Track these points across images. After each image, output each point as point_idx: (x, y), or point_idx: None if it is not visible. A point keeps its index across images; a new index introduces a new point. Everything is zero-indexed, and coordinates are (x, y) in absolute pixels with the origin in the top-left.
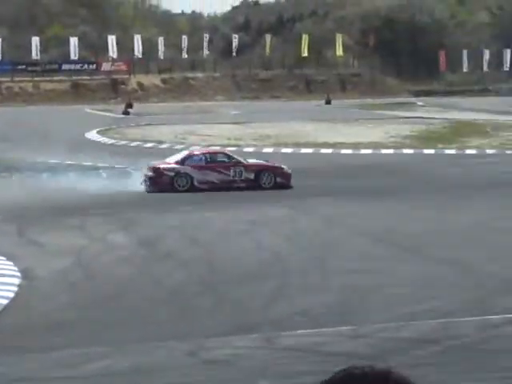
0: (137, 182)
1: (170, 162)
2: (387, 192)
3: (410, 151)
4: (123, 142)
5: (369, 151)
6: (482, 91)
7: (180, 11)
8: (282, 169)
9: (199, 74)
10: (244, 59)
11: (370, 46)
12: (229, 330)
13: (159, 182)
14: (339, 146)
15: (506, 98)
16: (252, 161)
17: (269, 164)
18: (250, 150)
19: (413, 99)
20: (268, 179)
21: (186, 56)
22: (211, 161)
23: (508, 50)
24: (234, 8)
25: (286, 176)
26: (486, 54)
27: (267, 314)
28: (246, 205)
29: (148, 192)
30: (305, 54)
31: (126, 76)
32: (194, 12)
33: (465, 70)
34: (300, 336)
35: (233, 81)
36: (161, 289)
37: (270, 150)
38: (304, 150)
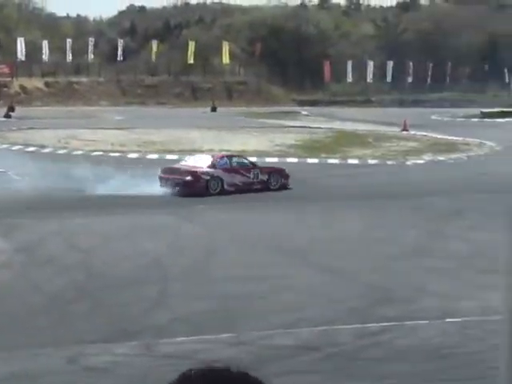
0: (14, 186)
1: (198, 165)
2: (272, 199)
3: (295, 160)
4: (4, 146)
5: (254, 159)
6: (365, 102)
7: (65, 14)
8: (285, 170)
9: (84, 79)
10: (130, 64)
11: (256, 55)
12: (108, 336)
13: (196, 185)
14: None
15: (389, 109)
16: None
17: (276, 167)
18: (134, 155)
19: (298, 108)
20: (275, 180)
21: (71, 60)
22: (237, 164)
23: (391, 62)
24: (121, 13)
25: (287, 177)
26: (370, 66)
27: (146, 321)
28: (130, 210)
29: (180, 196)
30: (191, 60)
31: (9, 79)
32: (79, 16)
33: (349, 80)
34: (180, 343)
35: (118, 86)
36: (40, 295)
37: (154, 156)
38: None
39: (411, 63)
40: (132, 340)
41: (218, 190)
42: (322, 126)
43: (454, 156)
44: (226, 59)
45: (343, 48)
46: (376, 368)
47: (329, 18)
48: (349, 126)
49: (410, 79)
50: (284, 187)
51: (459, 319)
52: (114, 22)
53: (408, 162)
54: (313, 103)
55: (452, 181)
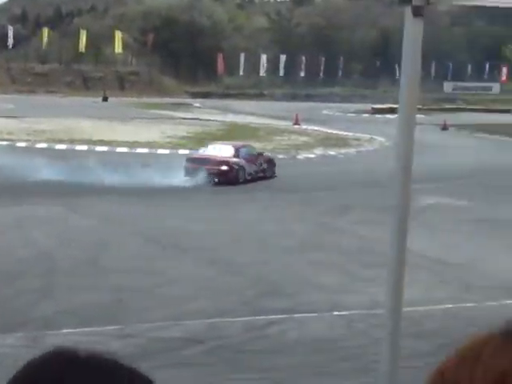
0: None
1: (224, 155)
2: (168, 192)
3: (186, 152)
4: None
5: (145, 150)
6: (257, 95)
7: None
8: (274, 159)
9: None
10: (20, 52)
11: (149, 45)
12: None
13: (230, 175)
14: (115, 144)
15: (281, 103)
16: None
17: (268, 155)
18: (23, 144)
19: (190, 100)
20: (270, 168)
21: None
22: (251, 153)
23: (284, 56)
24: None
25: (275, 165)
26: (263, 59)
27: (32, 313)
28: (20, 201)
29: (215, 185)
30: (82, 49)
31: None
32: None
33: (242, 73)
34: (66, 335)
35: (7, 74)
36: None
37: (44, 145)
38: (79, 147)
39: (304, 57)
40: (18, 332)
41: (243, 179)
42: (214, 119)
43: (344, 151)
44: (118, 48)
45: (237, 41)
46: (263, 360)
47: (223, 11)
48: (241, 119)
49: (302, 73)
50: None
51: (346, 312)
52: (4, 8)
53: (299, 156)
54: (205, 95)
55: (342, 175)
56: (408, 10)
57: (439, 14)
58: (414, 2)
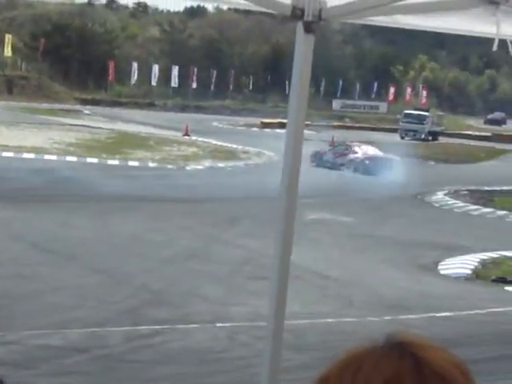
0: None
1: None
2: (48, 198)
3: (74, 159)
4: None
5: (31, 156)
6: (148, 105)
7: None
8: None
9: None
10: None
11: (39, 50)
12: None
13: None
14: (0, 149)
15: (171, 114)
16: None
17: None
18: None
19: (80, 107)
20: None
21: None
22: None
23: (176, 67)
24: None
25: None
26: (155, 69)
27: None
28: None
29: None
30: None
31: None
32: None
33: (133, 82)
34: None
35: None
36: None
37: None
38: None
39: (196, 69)
40: None
41: None
42: (103, 127)
43: (233, 163)
44: (7, 52)
45: (129, 49)
46: (145, 371)
47: (116, 19)
48: (131, 128)
49: (194, 85)
50: None
51: (229, 324)
52: None
53: (188, 167)
54: (96, 103)
55: (230, 187)
56: (299, 26)
57: (331, 31)
58: (305, 18)
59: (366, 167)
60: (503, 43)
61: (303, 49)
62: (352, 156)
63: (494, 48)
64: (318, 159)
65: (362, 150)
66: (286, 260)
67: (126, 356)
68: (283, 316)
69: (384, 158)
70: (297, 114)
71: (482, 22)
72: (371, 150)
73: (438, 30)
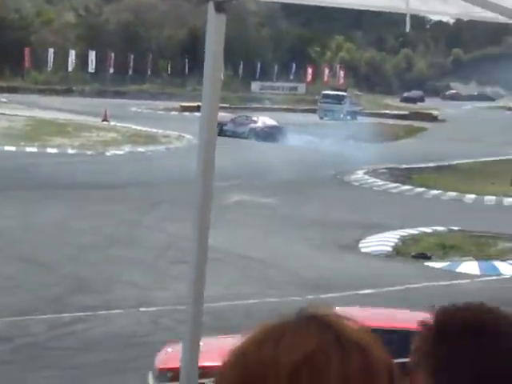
0: None
1: None
2: None
3: None
4: None
5: None
6: (66, 91)
7: None
8: None
9: None
10: None
11: None
12: None
13: None
14: None
15: (89, 99)
16: None
17: None
18: None
19: None
20: None
21: None
22: None
23: (93, 52)
24: None
25: None
26: (72, 55)
27: None
28: None
29: None
30: None
31: None
32: None
33: (50, 68)
34: None
35: None
36: None
37: None
38: None
39: (113, 54)
40: None
41: None
42: (21, 114)
43: (153, 148)
44: None
45: (45, 35)
46: (69, 358)
47: (31, 5)
48: (49, 115)
49: (111, 70)
50: None
51: (152, 309)
52: None
53: (107, 153)
54: (12, 90)
55: (150, 172)
56: (211, 6)
57: (248, 13)
58: None
59: (266, 134)
60: (419, 23)
61: (215, 29)
62: (252, 125)
63: (407, 28)
64: (219, 129)
65: (261, 120)
66: (203, 243)
67: (50, 344)
68: (202, 299)
69: (280, 126)
70: (211, 96)
71: None
72: (269, 120)
73: (351, 7)
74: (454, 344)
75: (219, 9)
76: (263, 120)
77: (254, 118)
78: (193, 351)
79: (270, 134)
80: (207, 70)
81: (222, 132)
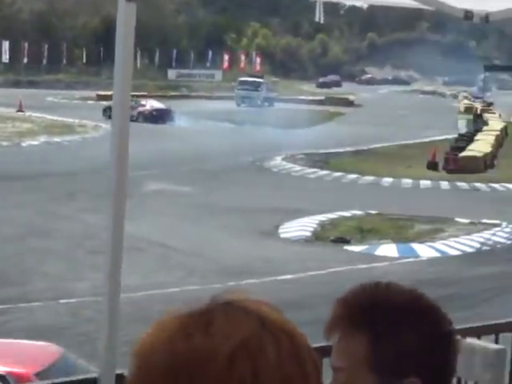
0: None
1: None
2: None
3: None
4: None
5: None
6: None
7: None
8: None
9: None
10: None
11: None
12: None
13: None
14: None
15: (4, 90)
16: None
17: None
18: None
19: None
20: None
21: None
22: None
23: (7, 42)
24: None
25: None
26: None
27: None
28: None
29: None
30: None
31: None
32: None
33: None
34: None
35: None
36: None
37: None
38: None
39: (27, 44)
40: None
41: None
42: None
43: (69, 138)
44: None
45: None
46: None
47: None
48: None
49: (25, 60)
50: None
51: (72, 300)
52: None
53: (23, 144)
54: None
55: (67, 162)
56: None
57: (163, 1)
58: None
59: (154, 117)
60: (333, 9)
61: (125, 17)
62: (140, 109)
63: (317, 17)
64: (109, 114)
65: (149, 104)
66: (118, 233)
67: None
68: (119, 289)
69: (169, 109)
70: (122, 84)
71: None
72: (156, 104)
73: None
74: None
75: None
76: (151, 103)
77: (143, 102)
78: (111, 342)
79: (158, 117)
80: (118, 58)
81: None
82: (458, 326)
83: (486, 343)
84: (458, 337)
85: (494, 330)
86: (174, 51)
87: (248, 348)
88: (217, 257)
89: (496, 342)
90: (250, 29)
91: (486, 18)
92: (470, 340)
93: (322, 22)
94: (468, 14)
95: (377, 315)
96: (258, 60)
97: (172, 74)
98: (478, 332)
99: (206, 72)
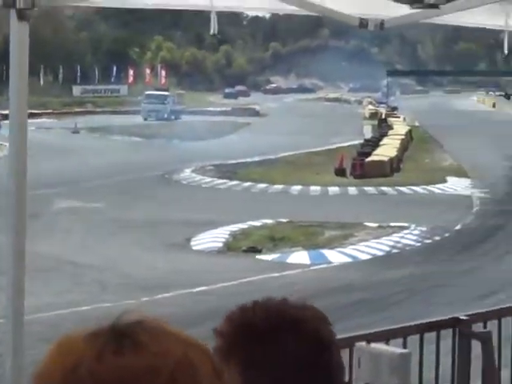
0: None
1: None
2: None
3: None
4: None
5: None
6: None
7: None
8: None
9: None
10: None
11: None
12: None
13: None
14: None
15: None
16: None
17: None
18: None
19: None
20: None
21: None
22: None
23: None
24: None
25: None
26: None
27: None
28: None
29: None
30: None
31: None
32: None
33: None
34: None
35: None
36: None
37: None
38: None
39: None
40: None
41: None
42: None
43: None
44: None
45: None
46: None
47: None
48: None
49: None
50: None
51: None
52: None
53: None
54: None
55: None
56: (13, 14)
57: (64, 18)
58: (18, 6)
59: None
60: (236, 19)
61: (18, 37)
62: None
63: (212, 30)
64: None
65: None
66: (20, 253)
67: None
68: (22, 310)
69: None
70: (18, 104)
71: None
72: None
73: (160, 8)
74: (259, 341)
75: (21, 17)
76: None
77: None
78: (16, 365)
79: None
80: (13, 78)
81: None
82: (365, 331)
83: (392, 348)
84: (363, 343)
85: (402, 334)
86: (78, 67)
87: (187, 364)
88: (129, 272)
89: (404, 345)
90: (153, 42)
91: (381, 25)
92: (375, 345)
93: (217, 34)
94: (363, 22)
95: (244, 345)
96: (163, 73)
97: (77, 90)
98: (386, 336)
99: (112, 87)
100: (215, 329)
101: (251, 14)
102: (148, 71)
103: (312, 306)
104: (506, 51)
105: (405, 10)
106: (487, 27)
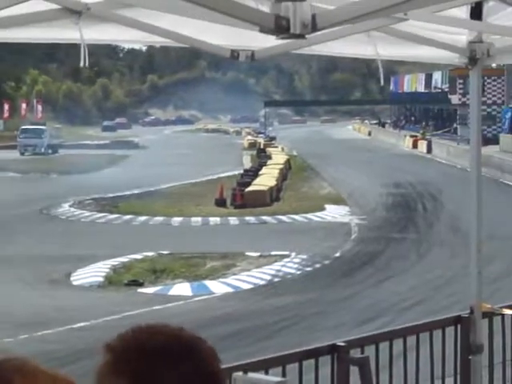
0: None
1: None
2: None
3: None
4: None
5: None
6: None
7: None
8: None
9: None
10: None
11: None
12: None
13: None
14: None
15: None
16: None
17: None
18: None
19: None
20: None
21: None
22: None
23: None
24: None
25: None
26: None
27: None
28: None
29: None
30: None
31: None
32: None
33: None
34: None
35: None
36: None
37: None
38: None
39: None
40: None
41: None
42: None
43: None
44: None
45: None
46: None
47: None
48: None
49: None
50: None
51: None
52: None
53: None
54: None
55: None
56: None
57: None
58: None
59: None
60: (113, 52)
61: None
62: None
63: (81, 63)
64: None
65: None
66: None
67: None
68: None
69: None
70: None
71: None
72: None
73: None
74: (134, 367)
75: None
76: None
77: None
78: None
79: None
80: None
81: None
82: (243, 362)
83: (269, 377)
84: (240, 373)
85: (281, 362)
86: None
87: None
88: (8, 310)
89: (283, 374)
90: (28, 76)
91: (252, 56)
92: (253, 375)
93: (87, 66)
94: (234, 53)
95: (135, 360)
96: (40, 107)
97: None
98: (264, 365)
99: None
100: (106, 343)
101: (127, 46)
102: (24, 105)
103: (205, 339)
104: (382, 81)
105: (273, 40)
106: (360, 57)
